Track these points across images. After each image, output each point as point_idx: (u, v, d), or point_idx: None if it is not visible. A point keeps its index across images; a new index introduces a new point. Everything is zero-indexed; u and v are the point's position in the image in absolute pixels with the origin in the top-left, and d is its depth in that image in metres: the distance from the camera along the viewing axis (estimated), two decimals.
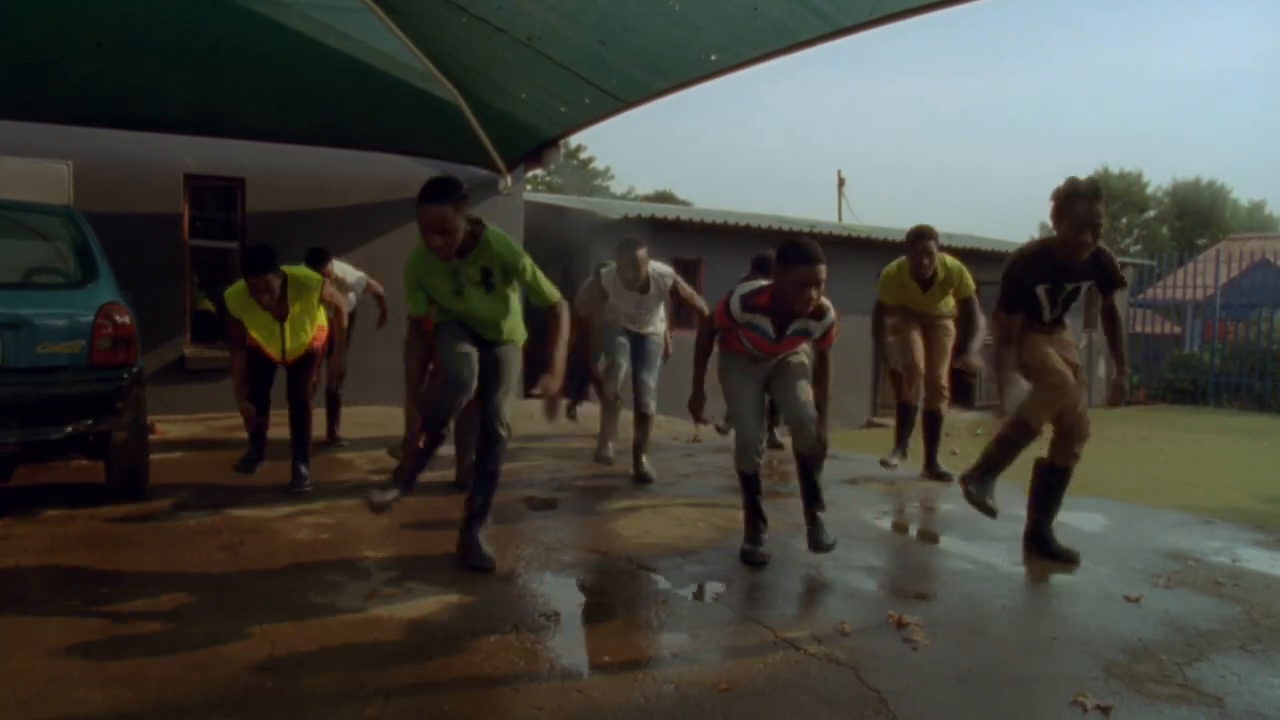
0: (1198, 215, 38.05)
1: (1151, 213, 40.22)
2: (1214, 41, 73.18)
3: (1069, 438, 3.79)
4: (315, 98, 6.94)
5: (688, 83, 5.60)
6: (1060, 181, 3.59)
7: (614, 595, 3.34)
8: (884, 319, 5.55)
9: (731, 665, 2.67)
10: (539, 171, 16.08)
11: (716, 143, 74.41)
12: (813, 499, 3.67)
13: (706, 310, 4.83)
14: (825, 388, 3.72)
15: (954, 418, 12.51)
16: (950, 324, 5.43)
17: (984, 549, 3.93)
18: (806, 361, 3.81)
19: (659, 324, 5.37)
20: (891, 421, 5.68)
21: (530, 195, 11.89)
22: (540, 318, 3.66)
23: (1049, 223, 3.66)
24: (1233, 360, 17.33)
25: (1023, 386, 3.59)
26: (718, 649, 2.80)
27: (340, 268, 6.31)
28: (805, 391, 3.68)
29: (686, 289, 5.31)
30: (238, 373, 4.71)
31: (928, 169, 73.29)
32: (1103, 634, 2.95)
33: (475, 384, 3.46)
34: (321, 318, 5.03)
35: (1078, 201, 3.48)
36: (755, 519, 3.76)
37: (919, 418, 5.53)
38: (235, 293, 4.59)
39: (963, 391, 14.35)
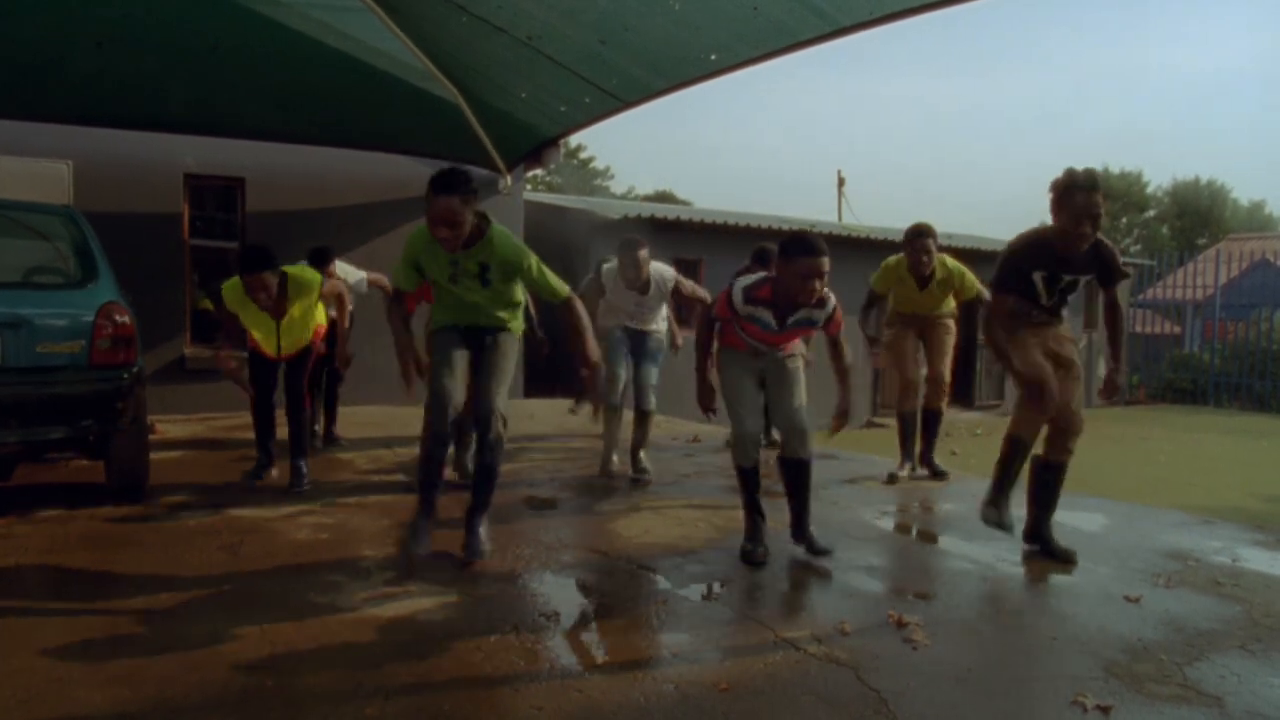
0: (1197, 215, 38.05)
1: (1151, 212, 40.23)
2: (1213, 41, 73.23)
3: (1062, 433, 3.80)
4: (315, 97, 6.94)
5: (688, 82, 5.60)
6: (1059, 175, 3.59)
7: (614, 595, 3.34)
8: (876, 309, 5.55)
9: (731, 665, 2.67)
10: (539, 171, 16.06)
11: (717, 142, 74.46)
12: (800, 503, 3.70)
13: (710, 300, 4.83)
14: (844, 365, 3.74)
15: (954, 417, 12.51)
16: (951, 323, 5.43)
17: (984, 549, 3.93)
18: (803, 367, 3.82)
19: (660, 322, 5.36)
20: (892, 422, 5.67)
21: (530, 195, 11.89)
22: (558, 318, 3.70)
23: (1049, 220, 3.66)
24: (1233, 360, 17.34)
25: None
26: (718, 648, 2.80)
27: (342, 268, 6.30)
28: (799, 398, 3.69)
29: (688, 285, 5.30)
30: (226, 356, 4.82)
31: (927, 169, 73.33)
32: (1103, 634, 2.95)
33: (462, 397, 3.53)
34: (321, 317, 5.04)
35: (1076, 193, 3.48)
36: (754, 516, 3.76)
37: (918, 415, 5.53)
38: (231, 287, 4.60)
39: (963, 391, 14.38)
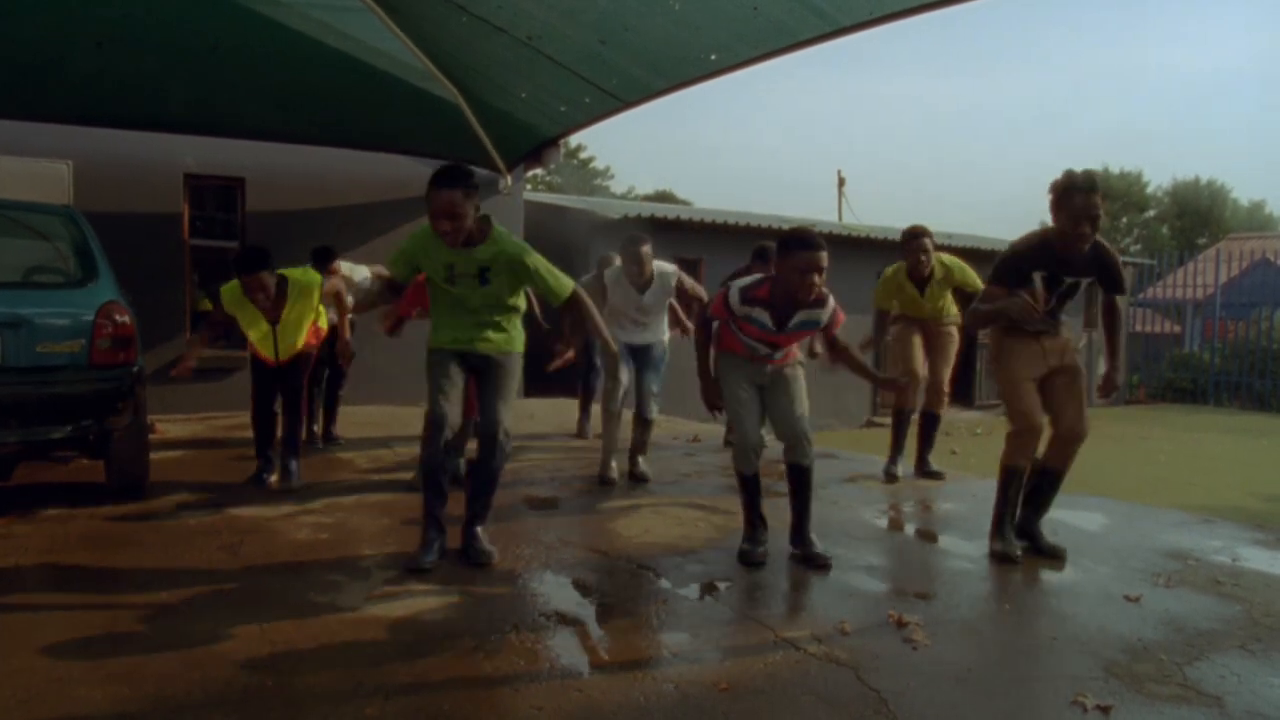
0: (1197, 215, 38.03)
1: (1151, 212, 40.21)
2: (1211, 42, 73.19)
3: (1064, 441, 3.80)
4: (315, 97, 6.94)
5: (688, 82, 5.60)
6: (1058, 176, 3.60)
7: (614, 595, 3.34)
8: (884, 325, 5.56)
9: (731, 665, 2.67)
10: (539, 171, 16.08)
11: (717, 142, 74.46)
12: (801, 513, 3.69)
13: (707, 300, 4.82)
14: (852, 356, 3.79)
15: (954, 417, 12.52)
16: (954, 329, 5.44)
17: (984, 548, 3.93)
18: (802, 375, 3.81)
19: (663, 331, 5.35)
20: (891, 421, 5.66)
21: (530, 195, 11.89)
22: (562, 319, 3.73)
23: (1048, 220, 3.67)
24: (1233, 359, 17.34)
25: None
26: (718, 648, 2.80)
27: (347, 266, 6.34)
28: (800, 406, 3.69)
29: (689, 282, 5.31)
30: (197, 342, 4.84)
31: (927, 168, 73.34)
32: (1103, 634, 2.95)
33: (459, 420, 3.55)
34: (324, 321, 5.04)
35: (1075, 194, 3.49)
36: (754, 520, 3.76)
37: (916, 416, 5.53)
38: (230, 289, 4.61)
39: (963, 391, 14.37)
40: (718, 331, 3.79)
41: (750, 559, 3.65)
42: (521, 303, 3.71)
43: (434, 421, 3.45)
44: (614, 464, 5.28)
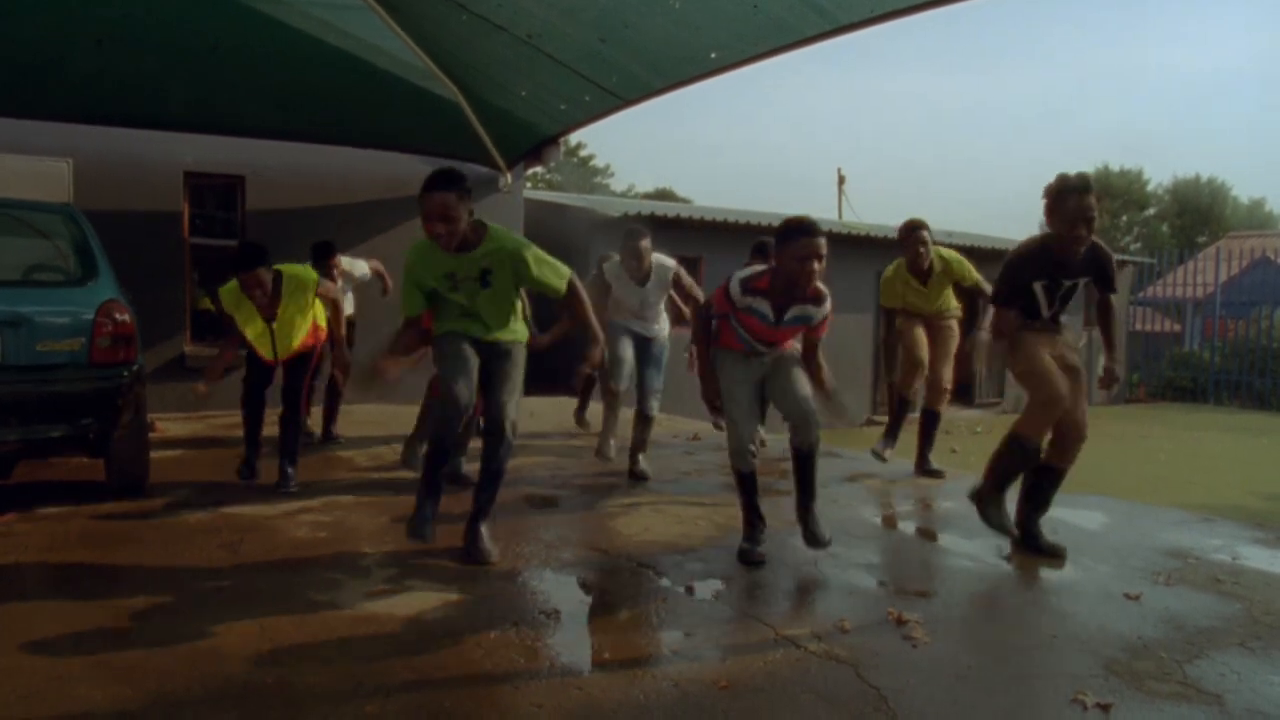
0: (1198, 213, 38.00)
1: (1152, 210, 40.17)
2: (1211, 42, 73.08)
3: (1066, 440, 3.80)
4: (315, 96, 6.94)
5: (688, 80, 5.60)
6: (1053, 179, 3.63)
7: (614, 593, 3.34)
8: (891, 322, 5.58)
9: (731, 663, 2.67)
10: (539, 169, 16.08)
11: (719, 139, 74.37)
12: (807, 492, 3.68)
13: (703, 301, 4.82)
14: (818, 367, 3.75)
15: (954, 415, 12.52)
16: (955, 325, 5.46)
17: (984, 547, 3.93)
18: (800, 364, 3.81)
19: (664, 324, 5.36)
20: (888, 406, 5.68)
21: (530, 193, 11.89)
22: (557, 313, 3.73)
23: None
24: (1233, 358, 17.35)
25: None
26: (717, 646, 2.80)
27: (347, 262, 6.35)
28: (803, 387, 3.68)
29: (687, 279, 5.31)
30: (219, 359, 4.83)
31: (930, 165, 73.28)
32: (1102, 632, 2.95)
33: (473, 402, 3.50)
34: (320, 318, 5.03)
35: (1069, 196, 3.51)
36: (753, 518, 3.76)
37: (916, 415, 5.54)
38: (229, 290, 4.61)
39: (963, 390, 14.38)
40: (716, 329, 3.79)
41: (750, 558, 3.65)
42: (519, 302, 3.73)
43: (447, 400, 3.41)
44: (612, 441, 5.28)
